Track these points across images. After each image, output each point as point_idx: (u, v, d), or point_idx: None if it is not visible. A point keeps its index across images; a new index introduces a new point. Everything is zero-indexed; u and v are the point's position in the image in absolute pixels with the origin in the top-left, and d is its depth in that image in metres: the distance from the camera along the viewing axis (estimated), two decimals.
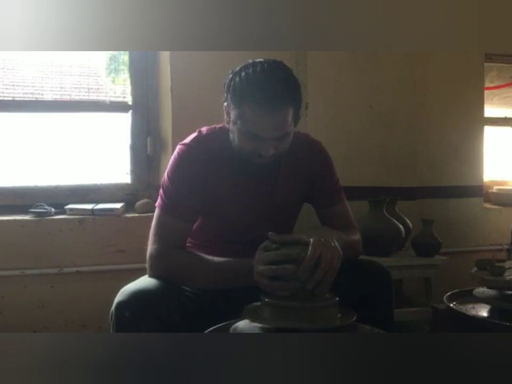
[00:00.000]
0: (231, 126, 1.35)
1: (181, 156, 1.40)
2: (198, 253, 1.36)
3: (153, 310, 1.20)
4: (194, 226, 1.44)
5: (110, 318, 1.24)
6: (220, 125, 1.46)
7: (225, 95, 1.34)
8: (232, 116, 1.32)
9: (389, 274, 1.42)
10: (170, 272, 1.30)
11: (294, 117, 1.31)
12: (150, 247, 1.35)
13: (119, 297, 1.22)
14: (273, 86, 1.24)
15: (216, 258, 1.31)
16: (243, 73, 1.29)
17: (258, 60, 1.32)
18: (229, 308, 1.23)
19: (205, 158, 1.39)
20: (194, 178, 1.38)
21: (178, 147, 1.43)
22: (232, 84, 1.30)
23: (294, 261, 1.09)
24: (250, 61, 1.33)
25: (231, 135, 1.37)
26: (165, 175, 1.41)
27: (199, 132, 1.45)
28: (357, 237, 1.46)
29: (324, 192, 1.51)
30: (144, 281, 1.29)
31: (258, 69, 1.28)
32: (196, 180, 1.38)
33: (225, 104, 1.35)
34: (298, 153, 1.45)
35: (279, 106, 1.26)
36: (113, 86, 2.34)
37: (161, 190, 1.40)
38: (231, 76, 1.33)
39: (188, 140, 1.43)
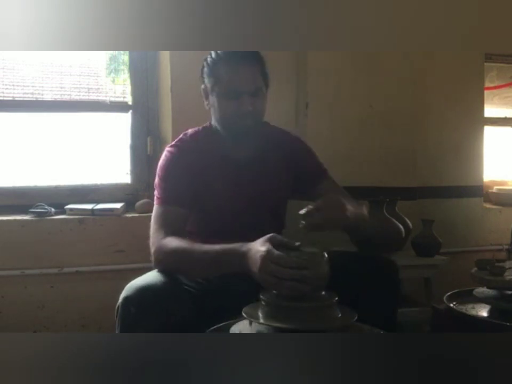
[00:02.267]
0: (210, 99, 1.51)
1: (169, 152, 1.52)
2: (189, 241, 1.36)
3: (160, 306, 1.20)
4: None
5: (115, 314, 1.24)
6: (203, 125, 1.59)
7: (202, 79, 1.53)
8: (209, 86, 1.49)
9: (396, 268, 1.48)
10: (168, 260, 1.32)
11: (262, 76, 1.48)
12: (151, 240, 1.39)
13: (125, 292, 1.23)
14: (241, 52, 1.44)
15: (206, 245, 1.31)
16: (212, 52, 1.49)
17: None
18: (229, 307, 1.23)
19: (191, 150, 1.52)
20: (183, 169, 1.48)
21: (165, 149, 1.54)
22: (205, 64, 1.51)
23: (305, 268, 1.08)
24: None
25: (212, 110, 1.52)
26: (156, 176, 1.51)
27: (184, 133, 1.58)
28: (357, 203, 1.46)
29: (308, 169, 1.62)
30: (151, 277, 1.29)
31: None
32: (185, 170, 1.48)
33: (202, 86, 1.54)
34: (279, 141, 1.62)
35: (248, 61, 1.45)
36: (113, 86, 2.34)
37: (155, 191, 1.49)
38: (203, 63, 1.52)
39: (173, 141, 1.56)
